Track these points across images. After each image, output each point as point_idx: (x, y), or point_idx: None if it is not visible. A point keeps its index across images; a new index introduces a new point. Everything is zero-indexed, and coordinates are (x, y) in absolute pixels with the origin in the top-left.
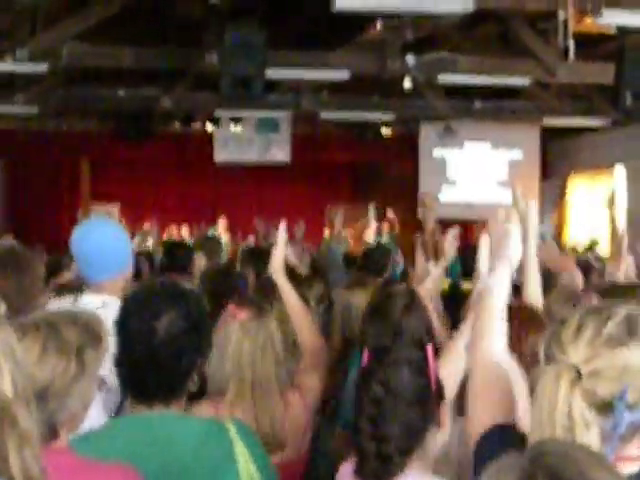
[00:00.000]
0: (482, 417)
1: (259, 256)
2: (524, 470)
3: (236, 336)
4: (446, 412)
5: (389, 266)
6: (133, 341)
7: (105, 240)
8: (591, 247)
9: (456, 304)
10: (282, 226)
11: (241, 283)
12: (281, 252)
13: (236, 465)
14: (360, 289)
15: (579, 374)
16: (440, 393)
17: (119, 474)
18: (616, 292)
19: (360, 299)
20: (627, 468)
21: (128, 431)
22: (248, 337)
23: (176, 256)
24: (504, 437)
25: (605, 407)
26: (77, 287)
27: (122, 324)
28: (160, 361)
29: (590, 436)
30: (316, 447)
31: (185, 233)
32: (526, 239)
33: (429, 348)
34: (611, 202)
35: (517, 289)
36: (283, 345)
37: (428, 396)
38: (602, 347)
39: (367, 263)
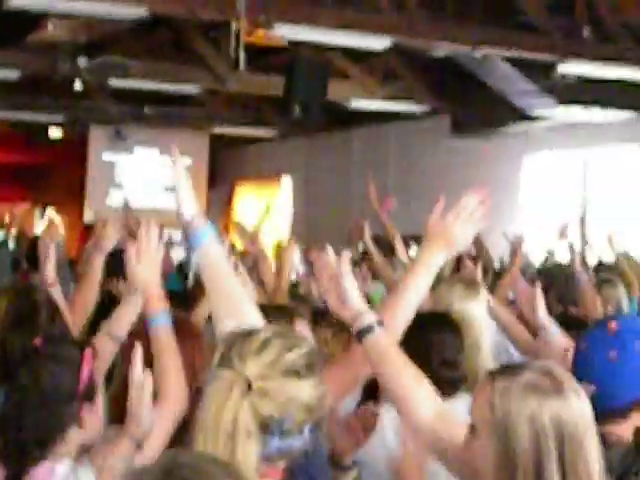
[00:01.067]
0: None
1: None
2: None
3: None
4: (94, 412)
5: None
6: None
7: None
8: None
9: None
10: None
11: None
12: None
13: None
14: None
15: (250, 387)
16: (89, 394)
17: None
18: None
19: None
20: None
21: None
22: None
23: None
24: None
25: (264, 426)
26: None
27: None
28: None
29: (250, 446)
30: None
31: None
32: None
33: (89, 351)
34: (267, 211)
35: None
36: None
37: (73, 395)
38: (279, 371)
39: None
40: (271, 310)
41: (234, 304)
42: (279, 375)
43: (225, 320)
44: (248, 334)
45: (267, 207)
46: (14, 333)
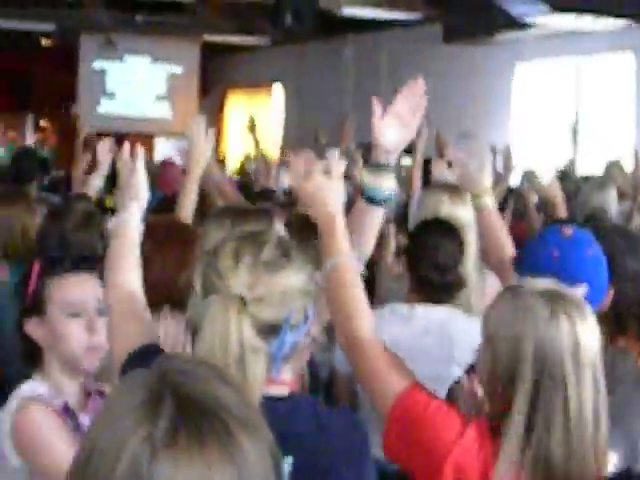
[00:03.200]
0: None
1: None
2: (151, 389)
3: None
4: None
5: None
6: None
7: None
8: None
9: None
10: None
11: None
12: None
13: None
14: (20, 200)
15: (244, 302)
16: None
17: None
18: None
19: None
20: (276, 390)
21: None
22: None
23: None
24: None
25: (271, 331)
26: None
27: None
28: None
29: (259, 362)
30: None
31: None
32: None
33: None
34: (251, 126)
35: None
36: None
37: None
38: (262, 273)
39: (17, 171)
40: (252, 212)
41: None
42: (264, 277)
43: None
44: (214, 252)
45: (251, 120)
46: None
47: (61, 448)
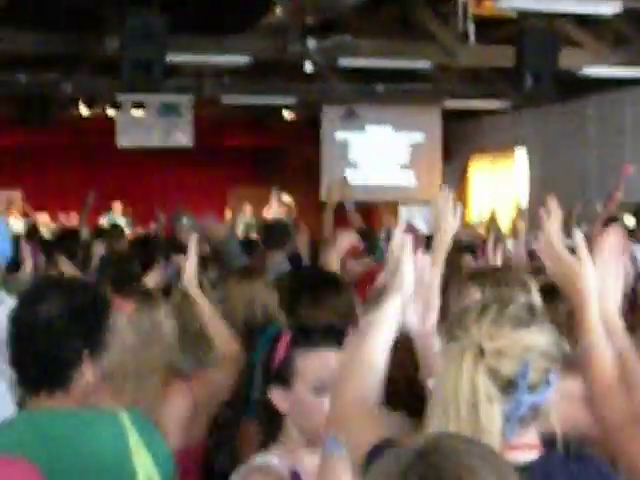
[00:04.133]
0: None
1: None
2: (410, 466)
3: (120, 328)
4: None
5: (288, 240)
6: (17, 330)
7: None
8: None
9: None
10: (194, 239)
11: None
12: (192, 263)
13: (131, 459)
14: (258, 276)
15: (482, 351)
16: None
17: (18, 469)
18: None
19: (260, 286)
20: (522, 456)
21: (15, 427)
22: (131, 327)
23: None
24: None
25: (508, 386)
26: None
27: (12, 315)
28: (39, 349)
29: (493, 412)
30: (220, 437)
31: (75, 220)
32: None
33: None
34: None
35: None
36: (181, 330)
37: None
38: (505, 326)
39: (267, 238)
40: (508, 277)
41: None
42: (506, 330)
43: None
44: (464, 310)
45: (492, 214)
46: None
47: None
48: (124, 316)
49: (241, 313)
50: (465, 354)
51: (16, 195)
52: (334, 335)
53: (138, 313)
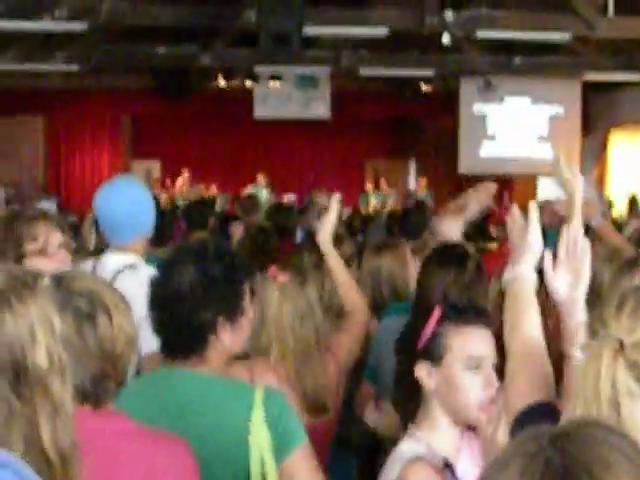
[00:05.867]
0: (522, 394)
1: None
2: (541, 449)
3: (277, 299)
4: None
5: (425, 228)
6: (154, 297)
7: (129, 202)
8: (632, 204)
9: None
10: (335, 198)
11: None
12: (330, 223)
13: (249, 435)
14: (389, 251)
15: (622, 345)
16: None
17: (168, 443)
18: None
19: (388, 261)
20: None
21: (146, 390)
22: (288, 301)
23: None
24: (543, 414)
25: None
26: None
27: (151, 283)
28: (176, 315)
29: (635, 408)
30: (348, 407)
31: (214, 191)
32: (571, 215)
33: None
34: None
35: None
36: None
37: None
38: None
39: (404, 226)
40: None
41: None
42: None
43: None
44: (607, 301)
45: None
46: None
47: None
48: (277, 287)
49: (369, 287)
50: (604, 350)
51: (154, 165)
52: (483, 314)
53: (294, 288)
